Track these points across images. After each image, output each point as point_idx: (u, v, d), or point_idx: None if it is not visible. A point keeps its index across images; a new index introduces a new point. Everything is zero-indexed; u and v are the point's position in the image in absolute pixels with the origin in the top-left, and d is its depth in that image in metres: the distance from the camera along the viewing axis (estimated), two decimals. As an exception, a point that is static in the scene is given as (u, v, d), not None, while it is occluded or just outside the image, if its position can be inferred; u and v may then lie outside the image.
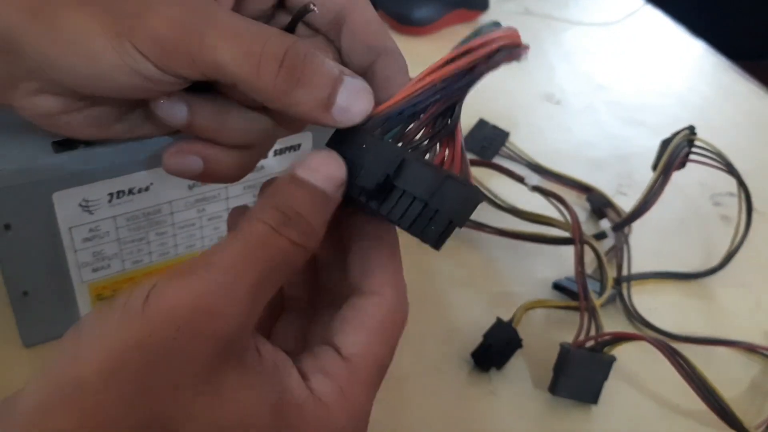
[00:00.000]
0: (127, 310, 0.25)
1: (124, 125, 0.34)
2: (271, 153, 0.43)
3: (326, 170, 0.28)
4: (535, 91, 0.77)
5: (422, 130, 0.31)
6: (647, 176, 0.57)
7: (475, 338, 0.46)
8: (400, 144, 0.30)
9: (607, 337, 0.44)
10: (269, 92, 0.29)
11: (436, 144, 0.31)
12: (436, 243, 0.28)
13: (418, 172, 0.28)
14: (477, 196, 0.28)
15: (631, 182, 0.65)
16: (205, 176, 0.33)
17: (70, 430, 0.23)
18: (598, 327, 0.45)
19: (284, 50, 0.29)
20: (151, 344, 0.24)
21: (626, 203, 0.59)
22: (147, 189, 0.40)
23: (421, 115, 0.30)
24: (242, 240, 0.26)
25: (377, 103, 0.31)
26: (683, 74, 0.86)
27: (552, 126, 0.73)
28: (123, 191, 0.40)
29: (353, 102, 0.30)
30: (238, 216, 0.31)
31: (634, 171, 0.67)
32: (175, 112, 0.31)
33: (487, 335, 0.46)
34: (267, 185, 0.31)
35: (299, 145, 0.44)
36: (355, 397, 0.28)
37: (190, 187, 0.42)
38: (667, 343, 0.42)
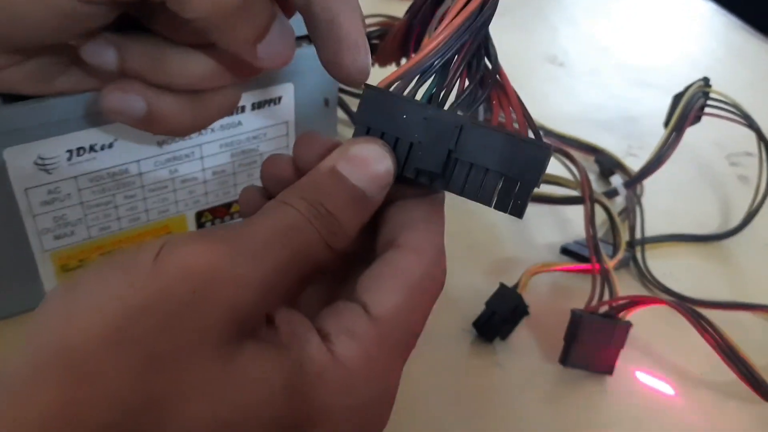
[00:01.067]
0: (134, 266, 0.21)
1: (69, 78, 0.31)
2: (248, 107, 0.40)
3: (372, 168, 0.26)
4: (537, 53, 0.73)
5: (457, 81, 0.28)
6: (658, 137, 0.54)
7: (476, 306, 0.42)
8: (440, 105, 0.27)
9: (622, 302, 0.40)
10: (203, 11, 0.25)
11: (483, 94, 0.28)
12: (521, 212, 0.26)
13: (482, 138, 0.26)
14: (549, 152, 0.26)
15: (642, 144, 0.61)
16: (151, 122, 0.30)
17: (68, 412, 0.19)
18: (612, 291, 0.41)
19: None
20: (163, 306, 0.21)
21: (637, 164, 0.55)
22: (110, 146, 0.36)
23: (453, 63, 0.27)
24: (272, 219, 0.24)
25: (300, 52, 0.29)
26: (692, 34, 0.81)
27: (556, 89, 0.68)
28: (83, 148, 0.36)
29: (280, 43, 0.28)
30: (252, 197, 0.29)
31: (644, 132, 0.63)
32: (103, 55, 0.28)
33: (490, 303, 0.42)
34: (273, 163, 0.29)
35: (279, 99, 0.40)
36: (383, 364, 0.24)
37: (160, 144, 0.38)
38: (691, 308, 0.38)
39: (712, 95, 0.51)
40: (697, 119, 0.50)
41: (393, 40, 0.41)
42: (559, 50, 0.74)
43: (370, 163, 0.26)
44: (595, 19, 0.82)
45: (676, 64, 0.75)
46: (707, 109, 0.51)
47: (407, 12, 0.41)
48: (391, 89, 0.27)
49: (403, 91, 0.27)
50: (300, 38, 0.40)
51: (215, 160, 0.41)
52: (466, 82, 0.28)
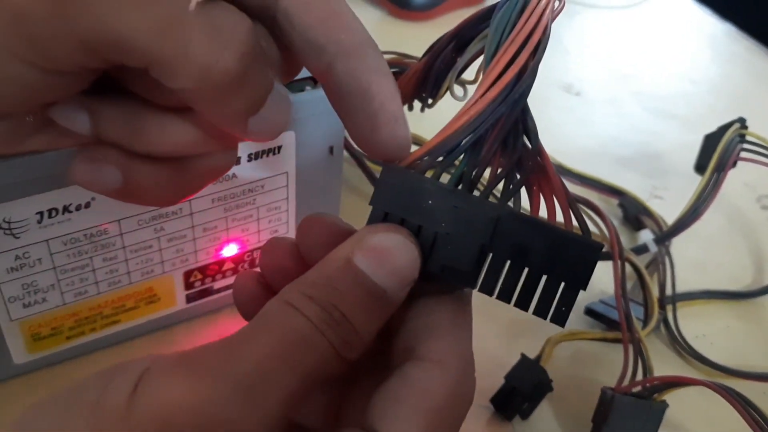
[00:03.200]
0: (103, 407, 0.17)
1: (43, 137, 0.26)
2: (244, 158, 0.35)
3: (395, 262, 0.22)
4: (551, 82, 0.69)
5: (491, 163, 0.24)
6: (684, 177, 0.50)
7: (494, 380, 0.38)
8: (469, 190, 0.24)
9: (657, 382, 0.36)
10: (191, 82, 0.21)
11: (521, 179, 0.24)
12: (565, 321, 0.23)
13: (522, 233, 0.22)
14: (600, 250, 0.22)
15: (666, 184, 0.57)
16: (128, 194, 0.25)
17: None
18: (646, 365, 0.37)
19: None
20: None
21: (663, 209, 0.51)
22: (87, 205, 0.32)
23: (485, 141, 0.24)
24: (276, 333, 0.20)
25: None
26: (714, 60, 0.77)
27: (572, 120, 0.64)
28: (56, 209, 0.31)
29: (274, 117, 0.24)
30: (248, 286, 0.26)
31: (668, 171, 0.58)
32: (74, 119, 0.23)
33: (510, 377, 0.38)
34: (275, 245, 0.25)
35: (279, 148, 0.36)
36: None
37: (144, 202, 0.34)
38: (734, 390, 0.34)
39: (748, 138, 0.47)
40: (734, 165, 0.46)
41: (407, 84, 0.37)
42: (575, 78, 0.70)
43: (392, 256, 0.22)
44: (611, 44, 0.77)
45: (698, 91, 0.71)
46: (743, 153, 0.47)
47: (426, 53, 0.37)
48: (414, 170, 0.23)
49: (426, 172, 0.23)
50: (302, 80, 0.36)
51: (206, 216, 0.36)
52: (501, 164, 0.24)
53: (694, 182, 0.46)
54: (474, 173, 0.24)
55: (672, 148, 0.61)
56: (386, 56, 0.52)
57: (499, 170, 0.24)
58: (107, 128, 0.24)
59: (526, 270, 0.22)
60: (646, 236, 0.46)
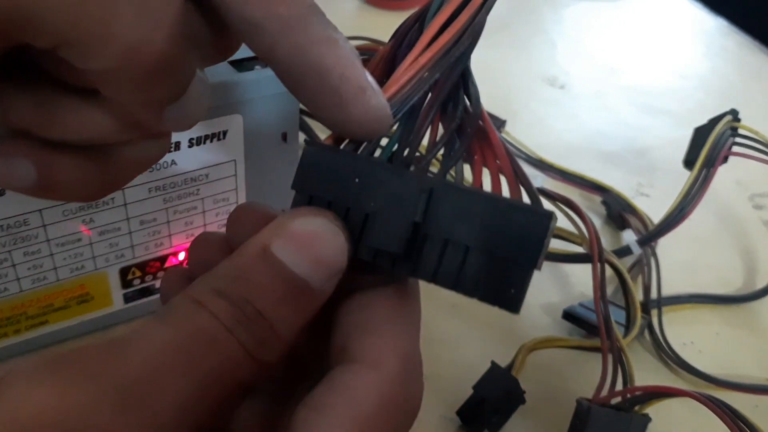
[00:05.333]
0: None
1: None
2: (184, 143, 0.32)
3: (318, 249, 0.19)
4: (535, 74, 0.66)
5: (428, 132, 0.22)
6: (672, 174, 0.47)
7: (461, 388, 0.35)
8: (405, 164, 0.21)
9: (639, 392, 0.32)
10: (109, 63, 0.18)
11: (461, 147, 0.21)
12: (517, 306, 0.19)
13: (460, 205, 0.19)
14: (550, 221, 0.19)
15: (652, 181, 0.54)
16: (46, 189, 0.22)
17: None
18: (626, 375, 0.34)
19: None
20: None
21: (649, 206, 0.48)
22: (2, 194, 0.29)
23: (422, 108, 0.21)
24: (173, 333, 0.17)
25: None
26: (704, 55, 0.74)
27: (556, 113, 0.61)
28: (-37, 197, 0.28)
29: (192, 107, 0.20)
30: (175, 283, 0.23)
31: (655, 167, 0.55)
32: None
33: (479, 387, 0.34)
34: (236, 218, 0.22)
35: (224, 133, 0.33)
36: None
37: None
38: (723, 403, 0.31)
39: (741, 131, 0.43)
40: (725, 160, 0.43)
41: (375, 69, 0.34)
42: (560, 71, 0.67)
43: (316, 242, 0.19)
44: (598, 36, 0.75)
45: (687, 86, 0.68)
46: (735, 148, 0.44)
47: (392, 37, 0.34)
48: (342, 146, 0.20)
49: (358, 148, 0.20)
50: (248, 60, 0.33)
51: (143, 207, 0.33)
52: (440, 132, 0.21)
53: (683, 180, 0.43)
54: (409, 146, 0.20)
55: (660, 144, 0.58)
56: (358, 42, 0.48)
57: (438, 139, 0.21)
58: (15, 115, 0.21)
59: (467, 248, 0.19)
60: (629, 236, 0.42)
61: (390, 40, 0.37)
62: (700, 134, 0.45)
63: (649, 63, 0.71)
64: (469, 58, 0.22)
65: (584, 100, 0.63)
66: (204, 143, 0.33)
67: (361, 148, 0.21)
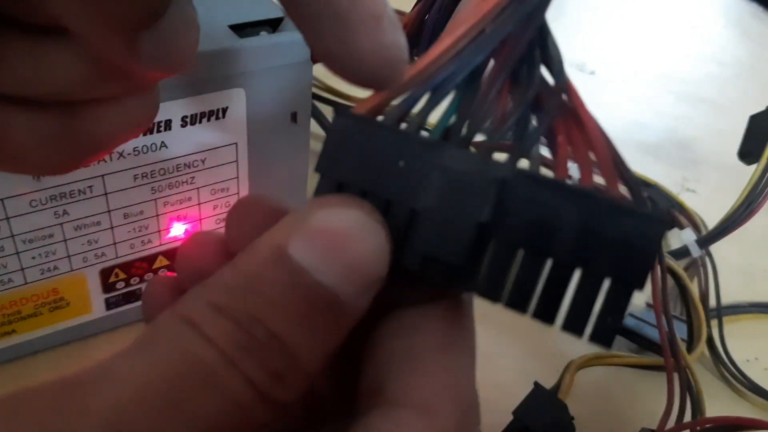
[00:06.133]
0: None
1: None
2: (176, 122, 0.27)
3: (351, 252, 0.14)
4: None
5: (494, 104, 0.16)
6: (719, 167, 0.42)
7: (499, 415, 0.29)
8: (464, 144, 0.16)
9: (710, 425, 0.27)
10: None
11: (540, 127, 0.16)
12: (612, 338, 0.14)
13: (541, 202, 0.14)
14: (666, 225, 0.14)
15: (698, 175, 0.49)
16: (1, 157, 0.17)
17: None
18: (695, 401, 0.29)
19: None
20: None
21: (697, 204, 0.43)
22: (-46, 179, 0.24)
23: (485, 73, 0.16)
24: (158, 367, 0.13)
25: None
26: (741, 42, 0.69)
27: (587, 102, 0.56)
28: None
29: (176, 37, 0.16)
30: (159, 296, 0.18)
31: (699, 160, 0.50)
32: None
33: (520, 412, 0.29)
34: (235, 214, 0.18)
35: (224, 110, 0.28)
36: None
37: (37, 176, 0.25)
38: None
39: (808, 119, 0.38)
40: (792, 151, 0.38)
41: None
42: (589, 56, 0.62)
43: (347, 242, 0.14)
44: (626, 20, 0.70)
45: (726, 73, 0.63)
46: (801, 138, 0.38)
47: (417, 2, 0.29)
48: (381, 118, 0.15)
49: (400, 121, 0.15)
50: (252, 25, 0.28)
51: (127, 198, 0.28)
52: (510, 105, 0.17)
53: (731, 173, 0.38)
54: (469, 121, 0.16)
55: (702, 135, 0.53)
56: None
57: (508, 113, 0.16)
58: None
59: (549, 261, 0.14)
60: (688, 236, 0.37)
61: (414, 7, 0.33)
62: (758, 122, 0.40)
63: (681, 49, 0.66)
64: (547, 8, 0.17)
65: (616, 87, 0.58)
66: (200, 122, 0.28)
67: (407, 121, 0.16)
